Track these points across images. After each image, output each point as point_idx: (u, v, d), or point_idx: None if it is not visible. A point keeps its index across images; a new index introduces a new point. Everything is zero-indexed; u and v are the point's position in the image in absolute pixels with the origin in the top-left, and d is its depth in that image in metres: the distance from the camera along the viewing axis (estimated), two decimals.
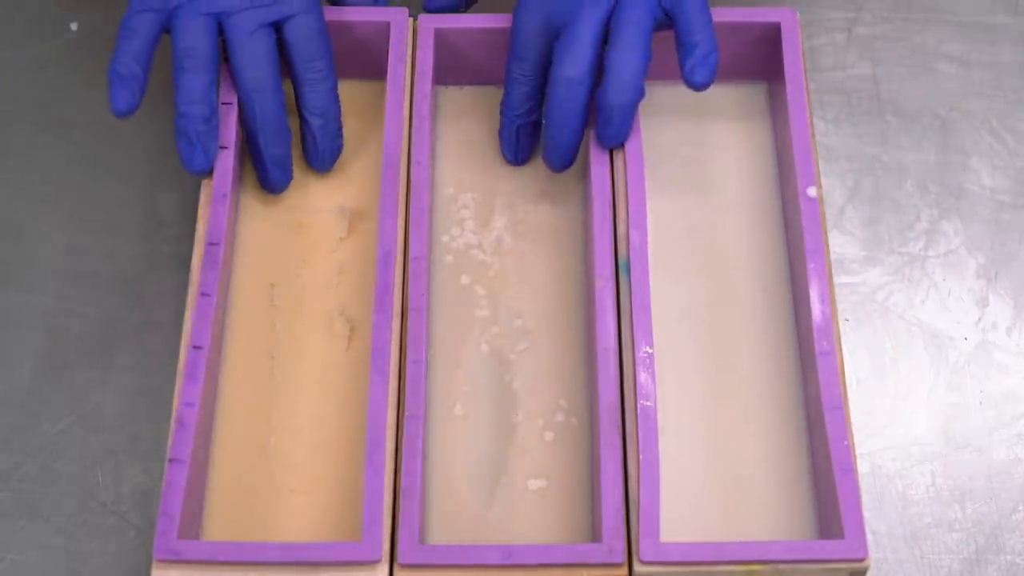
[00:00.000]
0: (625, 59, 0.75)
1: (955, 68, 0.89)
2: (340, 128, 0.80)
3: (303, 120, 0.80)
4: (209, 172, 0.77)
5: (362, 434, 0.73)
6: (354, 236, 0.80)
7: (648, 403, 0.71)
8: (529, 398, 0.76)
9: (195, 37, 0.77)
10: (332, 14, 0.82)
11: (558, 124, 0.77)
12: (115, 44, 0.77)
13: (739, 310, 0.78)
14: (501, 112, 0.81)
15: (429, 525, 0.73)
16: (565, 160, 0.78)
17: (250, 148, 0.79)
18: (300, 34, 0.78)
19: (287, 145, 0.79)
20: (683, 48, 0.76)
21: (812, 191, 0.77)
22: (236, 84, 0.78)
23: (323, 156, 0.80)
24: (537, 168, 0.82)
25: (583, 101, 0.76)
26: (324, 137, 0.80)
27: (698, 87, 0.76)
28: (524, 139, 0.81)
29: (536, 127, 0.80)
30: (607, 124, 0.76)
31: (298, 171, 0.82)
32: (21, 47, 0.90)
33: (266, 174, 0.79)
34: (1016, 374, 0.80)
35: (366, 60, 0.83)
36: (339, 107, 0.80)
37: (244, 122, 0.79)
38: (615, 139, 0.77)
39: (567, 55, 0.76)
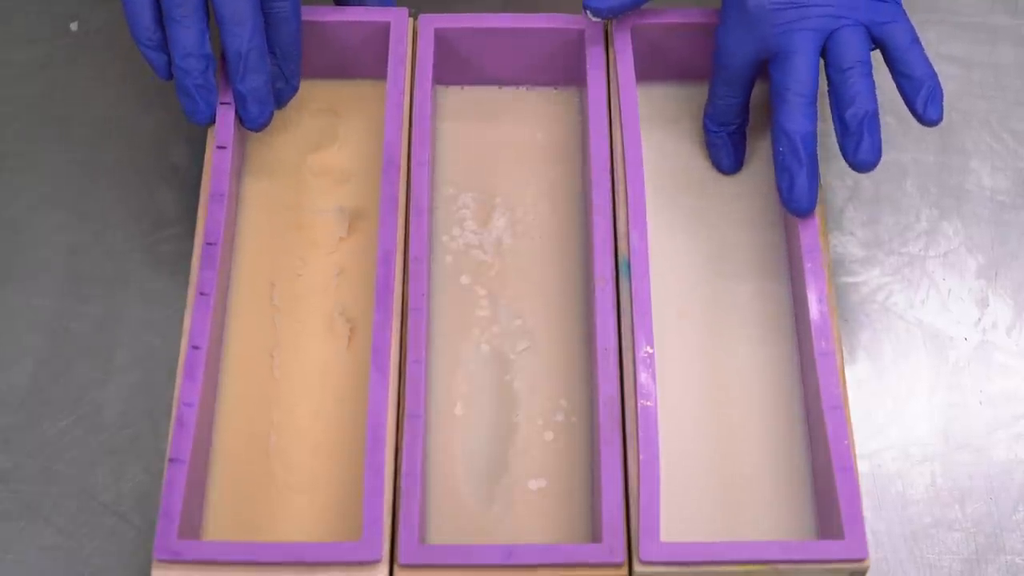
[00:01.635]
0: (860, 95, 0.75)
1: (955, 68, 0.89)
2: (296, 71, 0.80)
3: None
4: (213, 122, 0.78)
5: (362, 434, 0.73)
6: (354, 236, 0.80)
7: (648, 403, 0.71)
8: (529, 398, 0.76)
9: None
10: (332, 14, 0.82)
11: (790, 171, 0.75)
12: (127, 17, 0.77)
13: (739, 310, 0.78)
14: (707, 126, 0.81)
15: (429, 525, 0.73)
16: (812, 201, 0.75)
17: (229, 81, 0.79)
18: None
19: (265, 78, 0.78)
20: (908, 83, 0.76)
21: None
22: (216, 17, 0.77)
23: (275, 93, 0.80)
24: (536, 167, 0.82)
25: (814, 147, 0.76)
26: (277, 77, 0.80)
27: (932, 123, 0.76)
28: (738, 145, 0.81)
29: (744, 132, 0.81)
30: (860, 140, 0.75)
31: (298, 171, 0.82)
32: (21, 47, 0.90)
33: (244, 107, 0.79)
34: (1016, 374, 0.80)
35: (366, 60, 0.83)
36: (300, 51, 0.80)
37: (223, 54, 0.78)
38: (873, 153, 0.75)
39: (792, 110, 0.75)
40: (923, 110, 0.75)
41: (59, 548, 0.75)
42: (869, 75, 0.76)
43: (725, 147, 0.81)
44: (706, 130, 0.81)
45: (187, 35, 0.76)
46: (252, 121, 0.79)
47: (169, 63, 0.77)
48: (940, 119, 0.76)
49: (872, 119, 0.75)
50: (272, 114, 0.79)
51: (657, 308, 0.76)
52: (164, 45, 0.77)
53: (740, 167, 0.81)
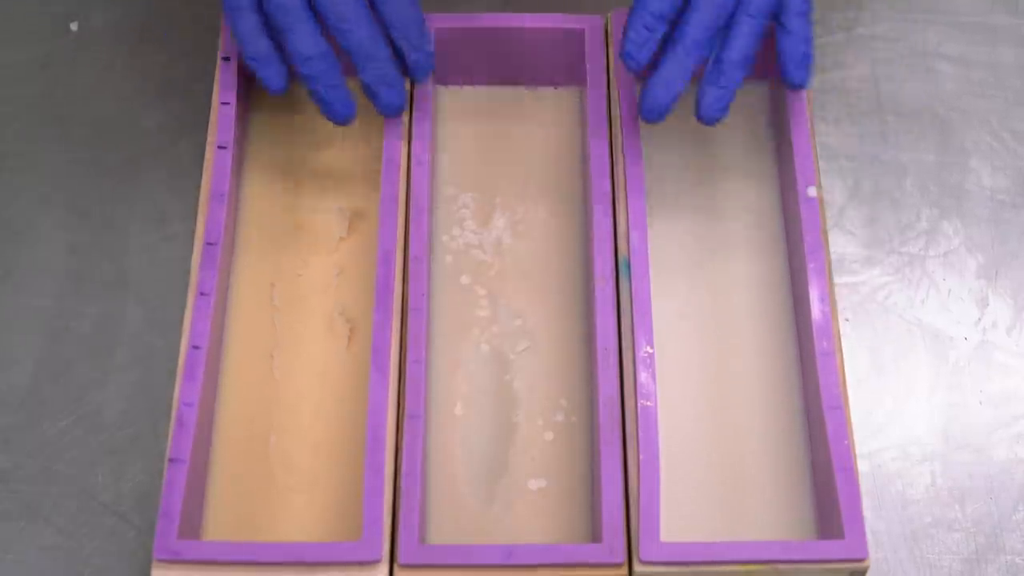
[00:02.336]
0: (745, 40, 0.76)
1: (955, 68, 0.89)
2: (424, 37, 0.78)
3: (389, 37, 0.78)
4: (353, 116, 0.77)
5: (362, 434, 0.73)
6: (354, 236, 0.80)
7: (648, 403, 0.71)
8: (529, 398, 0.76)
9: None
10: None
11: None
12: (235, 35, 0.76)
13: (739, 310, 0.78)
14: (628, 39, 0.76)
15: (429, 525, 0.73)
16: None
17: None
18: None
19: (383, 63, 0.76)
20: (789, 39, 0.77)
21: (812, 191, 0.77)
22: (323, 20, 0.76)
23: (413, 68, 0.78)
24: (536, 167, 0.82)
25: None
26: (408, 48, 0.78)
27: (798, 87, 0.77)
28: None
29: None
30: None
31: (298, 171, 0.82)
32: (21, 47, 0.90)
33: (376, 97, 0.77)
34: (1016, 374, 0.80)
35: None
36: (419, 16, 0.77)
37: (342, 51, 0.76)
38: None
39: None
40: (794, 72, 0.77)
41: (59, 548, 0.75)
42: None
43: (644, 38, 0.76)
44: (626, 51, 0.76)
45: (301, 39, 0.75)
46: (388, 107, 0.77)
47: (278, 74, 0.76)
48: (805, 84, 0.77)
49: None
50: (406, 93, 0.78)
51: (657, 308, 0.76)
52: (271, 58, 0.76)
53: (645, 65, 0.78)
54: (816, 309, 0.74)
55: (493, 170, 0.82)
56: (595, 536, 0.71)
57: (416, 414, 0.72)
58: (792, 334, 0.77)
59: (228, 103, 0.79)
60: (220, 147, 0.78)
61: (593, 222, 0.76)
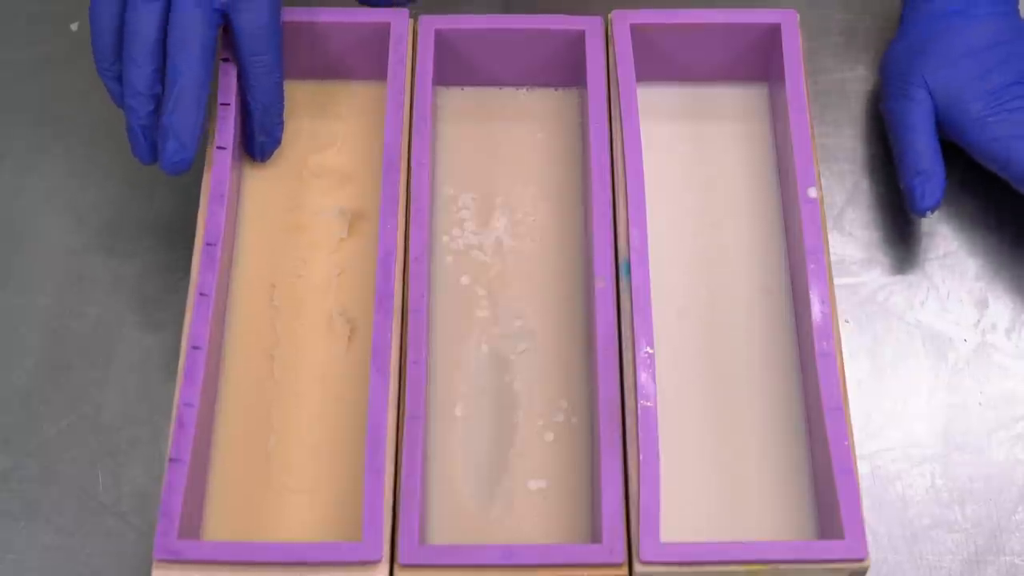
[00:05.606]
0: None
1: None
2: (278, 123, 0.80)
3: (245, 105, 0.79)
4: (154, 161, 0.76)
5: (362, 434, 0.73)
6: (354, 236, 0.80)
7: (648, 403, 0.71)
8: (529, 398, 0.76)
9: (140, 22, 0.75)
10: (332, 15, 0.82)
11: None
12: (92, 45, 0.76)
13: (739, 310, 0.78)
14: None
15: (429, 525, 0.73)
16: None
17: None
18: (246, 26, 0.77)
19: (193, 120, 0.75)
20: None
21: (812, 191, 0.77)
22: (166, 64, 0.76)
23: (258, 148, 0.80)
24: (536, 167, 0.82)
25: None
26: (259, 130, 0.79)
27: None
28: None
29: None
30: None
31: (299, 172, 0.82)
32: (21, 47, 0.90)
33: (163, 141, 0.75)
34: (1015, 376, 0.80)
35: (366, 61, 0.83)
36: (281, 102, 0.79)
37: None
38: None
39: None
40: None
41: (59, 548, 0.75)
42: None
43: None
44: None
45: (138, 74, 0.75)
46: (166, 159, 0.75)
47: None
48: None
49: None
50: (191, 161, 0.76)
51: (657, 308, 0.76)
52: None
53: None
54: (816, 310, 0.74)
55: (493, 170, 0.82)
56: (595, 536, 0.72)
57: (416, 415, 0.72)
58: (792, 335, 0.77)
59: (228, 103, 0.79)
60: (220, 147, 0.78)
61: (593, 222, 0.76)
